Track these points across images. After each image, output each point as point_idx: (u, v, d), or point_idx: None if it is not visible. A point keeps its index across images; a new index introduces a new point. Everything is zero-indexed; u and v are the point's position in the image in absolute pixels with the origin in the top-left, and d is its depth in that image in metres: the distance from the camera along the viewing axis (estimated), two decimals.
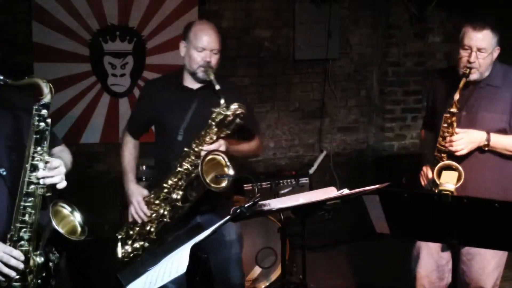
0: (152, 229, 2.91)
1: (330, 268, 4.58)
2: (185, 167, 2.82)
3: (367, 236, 3.43)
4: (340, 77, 5.71)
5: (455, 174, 2.67)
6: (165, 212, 2.87)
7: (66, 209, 2.22)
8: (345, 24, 5.62)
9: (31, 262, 2.13)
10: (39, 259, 2.15)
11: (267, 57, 5.41)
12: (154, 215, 2.91)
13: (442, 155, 2.92)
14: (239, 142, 2.97)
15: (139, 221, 2.93)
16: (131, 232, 2.98)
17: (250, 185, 4.76)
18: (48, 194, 2.16)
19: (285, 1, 5.36)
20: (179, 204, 2.84)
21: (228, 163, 2.76)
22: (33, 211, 2.12)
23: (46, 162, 2.14)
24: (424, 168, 3.07)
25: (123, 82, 4.98)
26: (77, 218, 2.23)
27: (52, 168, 2.14)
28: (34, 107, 2.14)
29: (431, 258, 3.09)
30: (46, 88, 2.16)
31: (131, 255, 2.95)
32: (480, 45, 2.83)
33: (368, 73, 5.82)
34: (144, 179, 4.49)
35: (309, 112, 5.67)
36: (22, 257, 2.10)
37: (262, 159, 5.57)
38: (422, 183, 3.08)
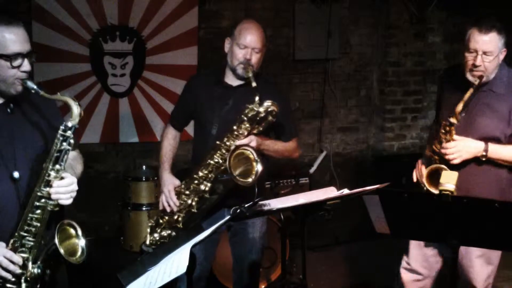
0: (180, 219, 2.97)
1: (330, 268, 4.59)
2: (215, 160, 2.87)
3: (367, 236, 3.43)
4: (340, 77, 5.71)
5: (455, 174, 2.68)
6: (193, 203, 2.93)
7: (73, 230, 2.24)
8: (345, 24, 5.62)
9: (28, 273, 2.16)
10: (36, 271, 2.17)
11: (267, 57, 5.38)
12: (183, 205, 2.96)
13: (436, 157, 2.93)
14: (274, 141, 3.03)
15: (168, 210, 2.99)
16: (161, 221, 3.03)
17: None
18: (56, 209, 2.19)
19: (285, 1, 5.36)
20: (206, 195, 2.90)
21: (257, 158, 2.79)
22: (39, 224, 2.16)
23: (61, 179, 2.16)
24: (419, 162, 3.08)
25: (123, 82, 4.98)
26: (81, 242, 2.25)
27: (65, 186, 2.17)
28: (61, 127, 2.17)
29: (420, 251, 3.15)
30: (76, 110, 2.20)
31: (158, 243, 3.01)
32: (486, 49, 2.78)
33: (368, 73, 5.82)
34: (144, 179, 4.50)
35: (309, 112, 5.67)
36: (21, 263, 2.13)
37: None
38: (414, 178, 3.08)
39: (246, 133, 2.83)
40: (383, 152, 5.85)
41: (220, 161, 2.85)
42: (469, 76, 2.85)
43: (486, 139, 2.87)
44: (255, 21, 3.09)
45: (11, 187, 2.20)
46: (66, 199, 2.18)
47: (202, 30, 5.07)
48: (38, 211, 2.16)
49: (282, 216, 3.26)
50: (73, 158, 2.46)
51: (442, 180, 2.63)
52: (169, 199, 2.99)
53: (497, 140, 2.90)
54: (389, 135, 5.84)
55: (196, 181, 2.92)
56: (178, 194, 2.99)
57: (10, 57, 2.13)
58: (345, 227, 5.13)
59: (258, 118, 2.83)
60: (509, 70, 2.96)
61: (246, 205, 2.38)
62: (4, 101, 2.24)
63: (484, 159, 2.87)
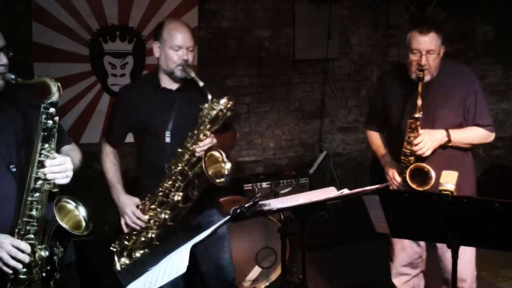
0: (154, 235, 2.90)
1: (330, 268, 4.59)
2: (179, 168, 2.81)
3: (367, 236, 3.44)
4: (340, 77, 5.71)
5: (455, 174, 2.68)
6: (166, 216, 2.86)
7: (70, 204, 2.27)
8: (345, 24, 5.62)
9: (36, 256, 2.17)
10: (44, 253, 2.19)
11: (267, 57, 5.41)
12: (152, 221, 2.89)
13: (409, 158, 3.03)
14: (223, 135, 2.97)
15: (138, 228, 2.91)
16: (126, 243, 2.95)
17: (250, 185, 4.77)
18: (55, 190, 2.21)
19: (285, 1, 5.36)
20: (180, 205, 2.84)
21: (226, 159, 2.78)
22: (39, 206, 2.18)
23: (53, 159, 2.19)
24: (390, 172, 3.15)
25: (123, 82, 4.97)
26: (81, 213, 2.28)
27: (58, 165, 2.19)
28: (42, 105, 2.20)
29: (405, 253, 3.27)
30: (54, 87, 2.23)
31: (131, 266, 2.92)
32: (429, 48, 2.95)
33: (368, 73, 5.82)
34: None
35: (309, 112, 5.67)
36: (29, 250, 2.14)
37: (262, 159, 5.57)
38: (392, 188, 3.15)
39: (208, 133, 2.78)
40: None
41: (186, 167, 2.80)
42: (414, 77, 2.99)
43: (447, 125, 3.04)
44: (179, 19, 3.02)
45: (11, 179, 2.23)
46: (62, 178, 2.20)
47: (202, 30, 5.07)
48: (37, 194, 2.18)
49: (282, 216, 3.26)
50: (70, 149, 2.50)
51: (442, 180, 2.63)
52: (135, 219, 2.88)
53: (461, 127, 3.07)
54: None
55: (161, 194, 2.85)
56: (142, 211, 2.90)
57: None
58: (345, 227, 5.13)
59: (218, 117, 2.78)
60: (448, 61, 3.15)
61: (246, 205, 2.38)
62: None
63: (449, 144, 3.03)
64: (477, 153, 3.24)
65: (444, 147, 3.05)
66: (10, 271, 2.13)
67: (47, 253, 2.19)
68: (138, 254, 2.91)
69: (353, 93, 5.80)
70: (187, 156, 2.79)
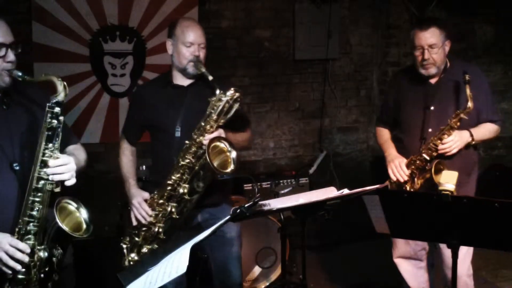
0: (161, 230, 2.91)
1: (330, 268, 4.59)
2: (187, 160, 2.83)
3: (367, 236, 3.44)
4: (340, 77, 5.71)
5: (455, 174, 2.68)
6: (172, 209, 2.88)
7: (72, 206, 2.26)
8: (345, 24, 5.62)
9: (35, 256, 2.17)
10: (43, 254, 2.18)
11: (267, 57, 5.41)
12: (160, 215, 2.91)
13: (432, 153, 3.07)
14: (234, 133, 3.00)
15: (143, 221, 2.93)
16: (136, 239, 2.96)
17: (250, 185, 4.77)
18: (57, 190, 2.20)
19: (285, 1, 5.36)
20: (186, 197, 2.86)
21: (230, 148, 2.80)
22: (41, 206, 2.17)
23: (56, 158, 2.18)
24: (397, 161, 3.16)
25: (123, 82, 4.98)
26: (83, 214, 2.27)
27: (62, 165, 2.18)
28: (48, 104, 2.19)
29: (408, 246, 3.32)
30: (60, 86, 2.22)
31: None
32: (430, 42, 3.06)
33: (368, 73, 5.82)
34: (144, 179, 4.49)
35: (309, 112, 5.67)
36: (28, 250, 2.14)
37: (262, 159, 5.57)
38: (395, 178, 3.17)
39: (215, 126, 2.82)
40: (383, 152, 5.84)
41: (193, 160, 2.82)
42: (421, 71, 3.11)
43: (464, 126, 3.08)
44: (191, 18, 3.08)
45: (13, 178, 2.22)
46: (67, 178, 2.19)
47: None
48: (39, 194, 2.17)
49: (282, 216, 3.26)
50: (74, 148, 2.51)
51: (442, 180, 2.64)
52: (141, 210, 2.93)
53: (474, 124, 3.13)
54: None
55: (169, 187, 2.87)
56: (151, 205, 2.93)
57: None
58: (345, 227, 5.13)
59: (225, 109, 2.82)
60: (461, 61, 3.27)
61: (246, 205, 2.38)
62: None
63: (472, 143, 3.10)
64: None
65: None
66: (9, 271, 2.12)
67: (46, 254, 2.18)
68: (145, 249, 2.93)
69: (353, 93, 5.80)
70: (194, 148, 2.82)
